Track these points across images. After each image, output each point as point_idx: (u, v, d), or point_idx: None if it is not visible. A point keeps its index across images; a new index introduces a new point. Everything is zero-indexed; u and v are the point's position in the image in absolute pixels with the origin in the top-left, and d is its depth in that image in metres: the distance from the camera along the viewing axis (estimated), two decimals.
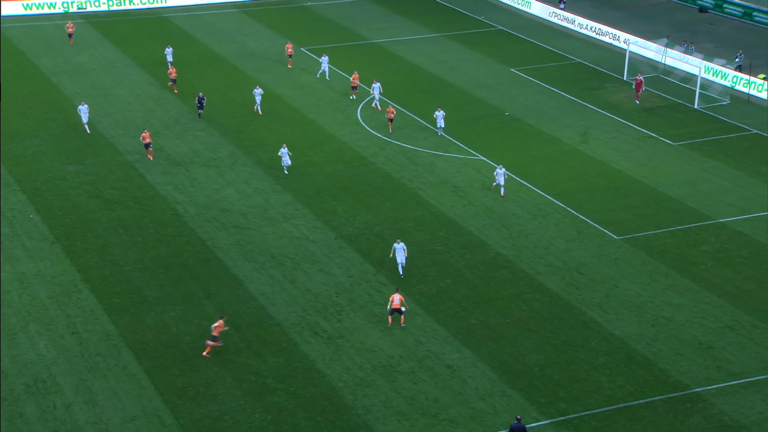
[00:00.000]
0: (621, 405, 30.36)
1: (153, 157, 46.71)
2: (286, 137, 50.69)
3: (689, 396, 30.70)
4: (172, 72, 56.54)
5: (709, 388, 31.02)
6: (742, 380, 31.28)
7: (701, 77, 55.56)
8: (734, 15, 71.72)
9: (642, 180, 45.68)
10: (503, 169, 43.36)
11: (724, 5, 72.55)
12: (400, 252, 36.65)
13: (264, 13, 74.77)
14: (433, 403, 30.52)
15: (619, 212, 42.44)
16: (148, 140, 47.21)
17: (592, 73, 60.89)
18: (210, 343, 32.50)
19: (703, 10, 73.63)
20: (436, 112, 50.05)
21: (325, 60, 59.01)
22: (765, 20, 69.60)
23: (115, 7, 74.09)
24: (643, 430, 29.41)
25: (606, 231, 40.74)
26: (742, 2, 71.76)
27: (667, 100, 55.95)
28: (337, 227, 41.31)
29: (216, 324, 32.52)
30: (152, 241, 40.05)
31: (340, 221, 41.82)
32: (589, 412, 30.03)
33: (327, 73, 58.80)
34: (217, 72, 60.58)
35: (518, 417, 28.66)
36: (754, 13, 70.37)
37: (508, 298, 35.97)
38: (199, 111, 52.31)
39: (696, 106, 54.74)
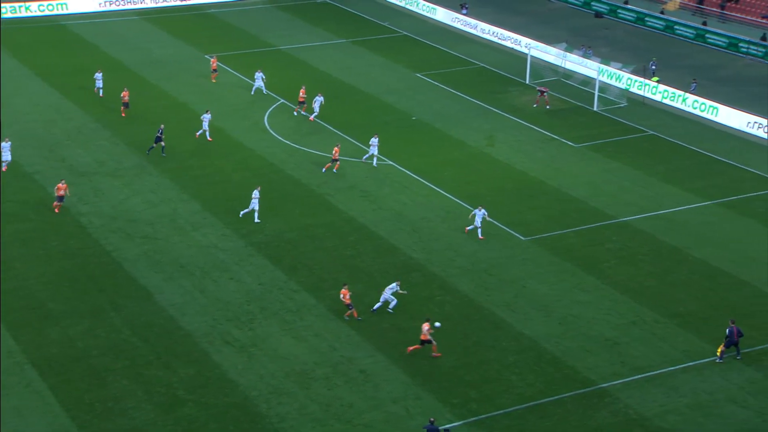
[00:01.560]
0: (532, 403, 30.73)
1: (59, 211, 41.49)
2: (193, 145, 49.76)
3: (597, 392, 31.29)
4: (125, 95, 52.73)
5: (616, 383, 31.68)
6: (646, 374, 32.06)
7: (599, 80, 56.94)
8: (628, 20, 73.82)
9: (547, 181, 46.47)
10: (483, 211, 40.09)
11: (618, 10, 74.60)
12: (387, 291, 34.92)
13: (167, 20, 73.34)
14: (347, 409, 30.30)
15: (526, 213, 43.06)
16: (62, 192, 41.52)
17: (496, 77, 61.75)
18: (432, 344, 32.25)
19: (598, 15, 75.54)
20: (372, 139, 47.13)
21: (259, 76, 56.81)
22: (656, 25, 71.86)
23: (9, 15, 71.37)
24: (553, 426, 29.81)
25: (514, 232, 41.27)
26: (634, 8, 73.90)
27: (568, 103, 57.15)
28: (247, 235, 40.72)
29: (426, 328, 32.11)
30: (56, 254, 38.70)
31: (249, 229, 41.23)
32: (500, 412, 30.29)
33: (264, 89, 56.48)
34: (120, 81, 58.93)
35: (431, 419, 28.69)
36: (646, 18, 72.57)
37: (419, 301, 36.05)
38: (154, 145, 47.14)
39: (595, 109, 56.08)
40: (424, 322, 32.64)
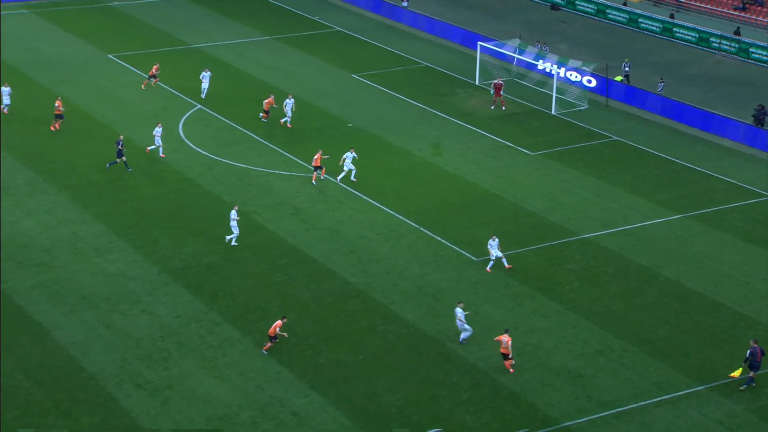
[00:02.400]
0: None
1: None
2: (96, 158, 49.29)
3: (560, 431, 31.69)
4: (59, 105, 51.68)
5: (580, 420, 32.14)
6: (614, 410, 32.57)
7: (558, 80, 57.94)
8: (587, 12, 75.41)
9: (500, 194, 47.11)
10: (496, 240, 40.07)
11: (577, 2, 76.17)
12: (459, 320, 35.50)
13: (61, 14, 72.61)
14: None
15: (478, 230, 43.56)
16: None
17: (442, 77, 62.47)
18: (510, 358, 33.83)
19: (555, 7, 77.03)
20: (347, 153, 47.18)
21: (206, 76, 56.81)
22: (619, 18, 73.53)
23: None
24: None
25: (464, 252, 41.71)
26: None
27: (523, 106, 58.05)
28: (161, 260, 40.46)
29: (506, 340, 33.63)
30: None
31: (164, 253, 40.99)
32: None
33: (205, 92, 56.80)
34: (8, 84, 58.21)
35: None
36: (607, 11, 74.22)
37: (360, 332, 36.19)
38: (117, 160, 47.32)
39: (553, 112, 57.07)
40: (502, 333, 33.69)
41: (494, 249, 40.05)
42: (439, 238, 42.62)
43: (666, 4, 73.77)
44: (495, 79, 58.23)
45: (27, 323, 36.04)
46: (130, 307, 37.26)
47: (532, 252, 41.90)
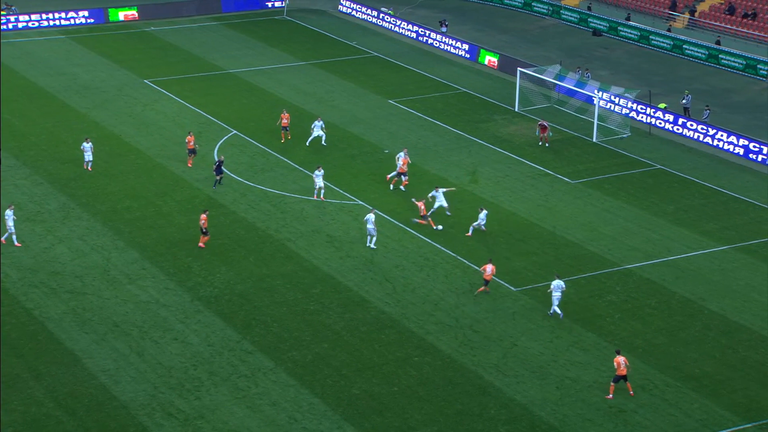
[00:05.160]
0: None
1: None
2: (129, 183, 49.94)
3: None
4: (191, 140, 51.38)
5: None
6: None
7: (599, 107, 57.93)
8: (630, 39, 75.39)
9: (538, 223, 47.09)
10: (485, 211, 45.64)
11: (619, 28, 76.18)
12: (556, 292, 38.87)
13: (98, 40, 73.80)
14: None
15: (515, 260, 43.55)
16: (203, 222, 42.66)
17: (480, 103, 62.67)
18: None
19: (597, 33, 77.08)
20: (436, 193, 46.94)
21: (318, 125, 54.73)
22: (663, 44, 73.41)
23: None
24: None
25: (502, 282, 41.70)
26: (638, 25, 75.49)
27: (563, 133, 58.06)
28: (193, 288, 40.82)
29: (624, 361, 34.23)
30: None
31: (196, 281, 41.35)
32: None
33: (324, 138, 54.75)
34: (42, 110, 59.24)
35: None
36: (651, 37, 74.14)
37: (394, 363, 36.25)
38: (218, 177, 49.13)
39: (595, 140, 57.01)
40: (617, 356, 34.37)
41: (482, 219, 45.21)
42: (476, 267, 42.64)
43: (713, 31, 73.52)
44: (540, 119, 57.73)
45: (58, 350, 36.46)
46: (162, 335, 37.60)
47: (571, 283, 41.78)
